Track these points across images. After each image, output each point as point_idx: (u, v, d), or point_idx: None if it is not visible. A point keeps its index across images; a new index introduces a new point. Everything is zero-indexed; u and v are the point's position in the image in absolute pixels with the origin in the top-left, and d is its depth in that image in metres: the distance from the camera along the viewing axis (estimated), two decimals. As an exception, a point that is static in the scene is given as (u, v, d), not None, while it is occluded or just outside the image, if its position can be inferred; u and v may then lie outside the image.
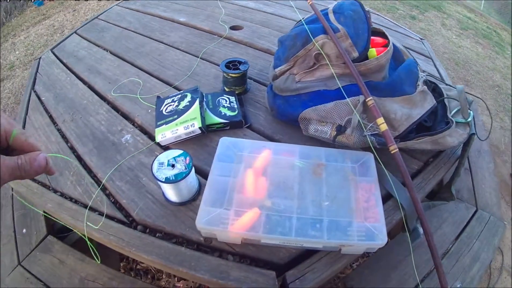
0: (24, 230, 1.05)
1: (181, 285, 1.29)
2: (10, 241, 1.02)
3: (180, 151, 0.68)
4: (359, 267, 0.94)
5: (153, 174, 0.64)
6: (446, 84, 1.02)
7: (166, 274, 1.32)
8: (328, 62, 0.81)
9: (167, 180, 0.64)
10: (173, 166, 0.66)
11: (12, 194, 1.13)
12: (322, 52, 0.81)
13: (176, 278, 1.31)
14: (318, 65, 0.82)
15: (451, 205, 1.11)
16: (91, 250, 0.71)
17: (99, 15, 1.48)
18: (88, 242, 0.70)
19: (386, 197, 0.75)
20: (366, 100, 0.76)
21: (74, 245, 1.04)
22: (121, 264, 1.33)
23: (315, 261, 0.65)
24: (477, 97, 0.94)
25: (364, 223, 0.63)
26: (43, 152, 0.36)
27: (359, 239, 0.61)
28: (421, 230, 0.75)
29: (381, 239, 0.61)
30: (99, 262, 0.72)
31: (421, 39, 1.42)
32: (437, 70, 1.22)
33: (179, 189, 0.67)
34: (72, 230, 1.08)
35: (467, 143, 0.84)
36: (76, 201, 0.75)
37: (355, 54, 0.81)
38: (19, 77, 2.26)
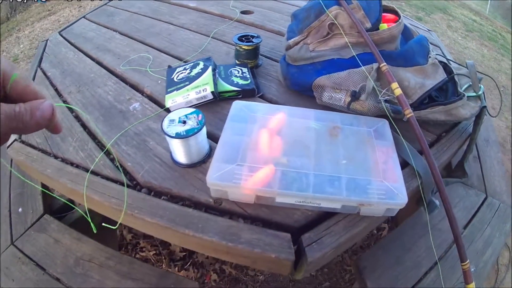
0: (20, 209, 1.02)
1: (182, 275, 1.24)
2: (5, 221, 1.00)
3: (193, 109, 0.66)
4: (373, 248, 0.92)
5: (163, 130, 0.62)
6: (455, 63, 1.02)
7: (166, 264, 1.28)
8: (342, 32, 0.80)
9: (178, 135, 0.61)
10: (184, 122, 0.63)
11: (11, 172, 1.10)
12: (336, 22, 0.81)
13: (176, 268, 1.27)
14: (332, 35, 0.82)
15: (461, 191, 1.10)
16: (87, 216, 0.68)
17: (108, 2, 1.49)
18: (85, 203, 0.66)
19: (402, 165, 0.71)
20: (380, 66, 0.75)
21: (73, 225, 1.01)
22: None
23: (333, 224, 0.61)
24: (487, 76, 0.93)
25: (384, 182, 0.61)
26: (49, 101, 0.29)
27: (379, 198, 0.58)
28: (437, 202, 0.73)
29: (402, 199, 0.58)
30: (94, 231, 0.68)
31: (428, 30, 1.43)
32: (446, 58, 1.22)
33: (189, 146, 0.64)
34: (71, 210, 1.08)
35: (479, 116, 0.83)
36: (77, 166, 0.72)
37: (368, 25, 0.81)
38: (23, 69, 2.25)
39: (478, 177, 1.16)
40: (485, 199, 1.08)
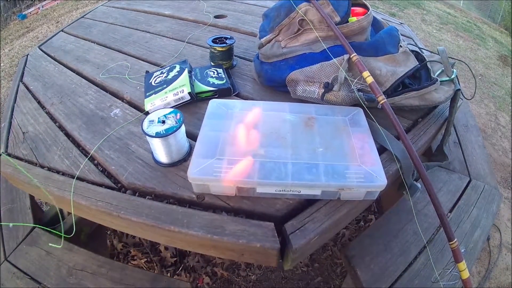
0: (11, 225, 1.01)
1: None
2: (-3, 237, 0.99)
3: (171, 109, 0.68)
4: (359, 236, 0.93)
5: (143, 131, 0.63)
6: (427, 51, 1.06)
7: (158, 270, 1.28)
8: (312, 27, 0.83)
9: (158, 135, 0.63)
10: (163, 122, 0.65)
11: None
12: (306, 18, 0.83)
13: (168, 274, 1.27)
14: (302, 30, 0.84)
15: (444, 176, 1.12)
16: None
17: (85, 15, 1.50)
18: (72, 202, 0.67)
19: (380, 151, 0.73)
20: (351, 56, 0.77)
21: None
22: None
23: (314, 211, 0.63)
24: (459, 60, 0.96)
25: (362, 166, 0.63)
26: None
27: (358, 181, 0.60)
28: (418, 185, 0.74)
29: (381, 181, 0.60)
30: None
31: (401, 23, 1.47)
32: (419, 48, 1.26)
33: (169, 144, 0.65)
34: (60, 222, 1.08)
35: (453, 99, 0.86)
36: (63, 173, 0.73)
37: (337, 19, 0.84)
38: (4, 87, 2.24)
39: (460, 162, 1.18)
40: (469, 182, 1.10)
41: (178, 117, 0.66)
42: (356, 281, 0.85)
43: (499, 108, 2.38)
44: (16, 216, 1.03)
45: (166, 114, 0.67)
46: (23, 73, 1.12)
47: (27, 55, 1.22)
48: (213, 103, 0.76)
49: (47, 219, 1.08)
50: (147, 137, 0.64)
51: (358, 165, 0.63)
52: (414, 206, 0.98)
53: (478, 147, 1.27)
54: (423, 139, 0.82)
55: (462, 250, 0.90)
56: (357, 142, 0.68)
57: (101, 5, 1.63)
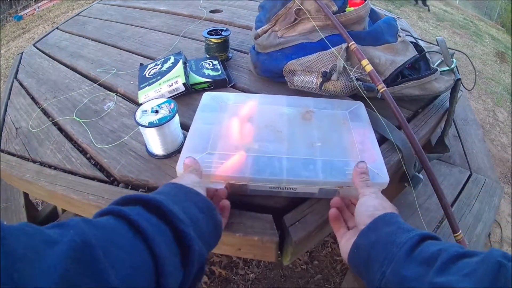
0: (5, 223, 0.99)
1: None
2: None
3: (165, 99, 0.66)
4: (360, 232, 0.91)
5: (136, 121, 0.62)
6: (425, 42, 1.04)
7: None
8: (309, 16, 0.82)
9: (151, 124, 0.61)
10: (157, 112, 0.63)
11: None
12: (303, 7, 0.82)
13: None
14: (299, 20, 0.83)
15: (445, 169, 1.10)
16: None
17: (80, 12, 1.49)
18: None
19: (381, 142, 0.71)
20: (349, 44, 0.76)
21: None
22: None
23: (315, 203, 0.60)
24: (459, 51, 0.94)
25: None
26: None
27: None
28: (421, 176, 0.72)
29: (383, 178, 0.56)
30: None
31: (398, 17, 1.46)
32: (415, 39, 1.24)
33: (163, 135, 0.63)
34: (55, 220, 1.06)
35: (454, 89, 0.84)
36: (55, 168, 0.71)
37: (334, 8, 0.82)
38: (1, 88, 2.22)
39: (460, 155, 1.16)
40: (470, 175, 1.09)
41: (172, 106, 0.64)
42: (357, 278, 0.83)
43: (497, 104, 2.37)
44: (10, 215, 1.01)
45: (160, 103, 0.65)
46: (17, 70, 1.10)
47: (22, 53, 1.20)
48: (207, 95, 0.73)
49: (41, 218, 1.07)
50: (140, 127, 0.62)
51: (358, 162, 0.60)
52: (416, 199, 0.96)
53: (478, 141, 1.26)
54: (424, 130, 0.80)
55: (467, 243, 0.89)
56: (358, 137, 0.65)
57: (96, 2, 1.62)
